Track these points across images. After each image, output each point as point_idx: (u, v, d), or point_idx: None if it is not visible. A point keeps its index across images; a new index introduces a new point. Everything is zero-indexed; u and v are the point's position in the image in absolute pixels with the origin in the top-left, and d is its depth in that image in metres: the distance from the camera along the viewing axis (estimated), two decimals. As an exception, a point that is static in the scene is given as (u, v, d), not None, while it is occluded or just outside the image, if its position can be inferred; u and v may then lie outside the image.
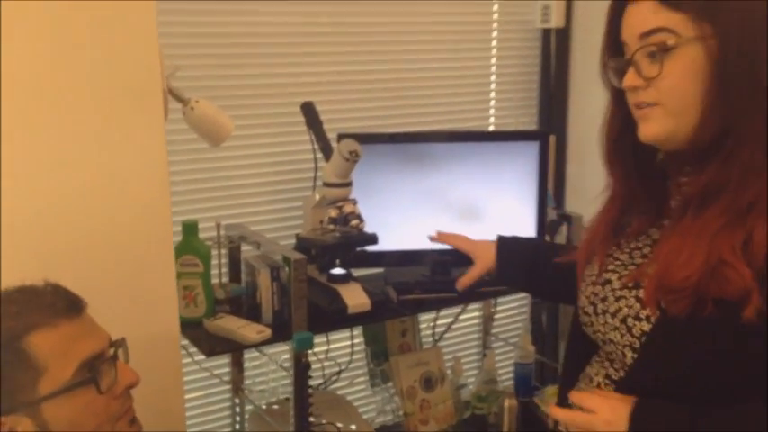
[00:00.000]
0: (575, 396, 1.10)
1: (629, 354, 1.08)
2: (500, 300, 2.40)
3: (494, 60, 2.32)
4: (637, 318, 1.07)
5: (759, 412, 0.99)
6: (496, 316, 2.45)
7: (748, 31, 1.00)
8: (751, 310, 0.95)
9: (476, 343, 2.46)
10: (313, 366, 1.71)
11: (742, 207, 0.99)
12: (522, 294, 2.43)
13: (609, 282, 1.14)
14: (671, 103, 1.04)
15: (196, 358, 1.82)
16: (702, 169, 1.04)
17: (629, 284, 1.10)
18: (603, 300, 1.14)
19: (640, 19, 1.04)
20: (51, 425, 1.05)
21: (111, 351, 1.14)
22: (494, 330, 2.45)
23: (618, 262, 1.15)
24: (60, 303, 1.09)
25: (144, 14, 1.31)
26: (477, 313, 2.43)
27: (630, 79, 1.06)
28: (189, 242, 1.71)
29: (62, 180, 1.28)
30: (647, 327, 1.05)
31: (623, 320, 1.09)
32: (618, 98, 1.13)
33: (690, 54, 1.01)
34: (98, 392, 1.08)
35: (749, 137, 1.00)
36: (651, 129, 1.06)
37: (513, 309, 2.51)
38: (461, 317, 2.35)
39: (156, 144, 1.36)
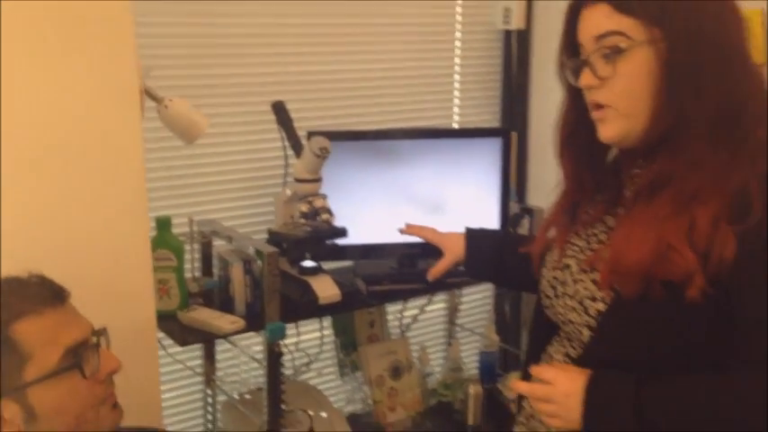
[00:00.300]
0: (534, 369, 1.18)
1: (587, 332, 1.16)
2: (465, 291, 2.47)
3: (457, 60, 2.38)
4: (593, 299, 1.14)
5: (702, 380, 1.08)
6: (461, 307, 2.52)
7: (695, 35, 1.07)
8: (694, 290, 1.03)
9: (441, 333, 2.52)
10: (284, 357, 1.77)
11: (687, 196, 1.07)
12: (486, 286, 2.51)
13: (568, 266, 1.22)
14: (623, 103, 1.11)
15: (169, 351, 1.87)
16: (652, 162, 1.13)
17: (587, 268, 1.18)
18: (563, 283, 1.22)
19: (595, 22, 1.11)
20: (37, 409, 1.09)
21: (94, 339, 1.18)
22: (459, 321, 2.52)
23: (576, 248, 1.23)
24: (45, 293, 1.13)
25: (120, 15, 1.35)
26: (442, 305, 2.50)
27: (586, 79, 1.13)
28: (162, 237, 1.76)
29: (41, 176, 1.32)
30: (602, 307, 1.13)
31: (581, 302, 1.16)
32: (573, 95, 1.21)
33: (641, 56, 1.09)
34: (82, 377, 1.12)
35: (694, 133, 1.08)
36: (607, 131, 1.14)
37: (478, 300, 2.58)
38: (427, 308, 2.42)
39: (133, 142, 1.41)
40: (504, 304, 2.53)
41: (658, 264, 1.05)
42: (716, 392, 1.06)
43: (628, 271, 1.08)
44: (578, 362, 1.17)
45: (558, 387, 1.13)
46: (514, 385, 1.21)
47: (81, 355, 1.13)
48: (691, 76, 1.07)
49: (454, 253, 1.64)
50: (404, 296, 2.12)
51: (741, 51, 1.12)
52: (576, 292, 1.18)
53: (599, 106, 1.13)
